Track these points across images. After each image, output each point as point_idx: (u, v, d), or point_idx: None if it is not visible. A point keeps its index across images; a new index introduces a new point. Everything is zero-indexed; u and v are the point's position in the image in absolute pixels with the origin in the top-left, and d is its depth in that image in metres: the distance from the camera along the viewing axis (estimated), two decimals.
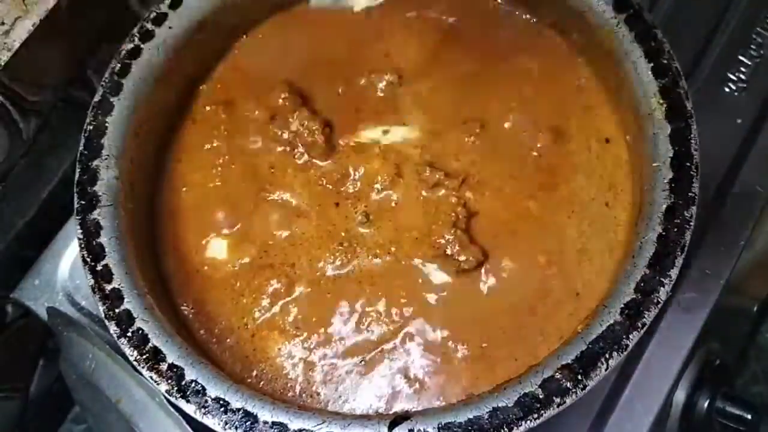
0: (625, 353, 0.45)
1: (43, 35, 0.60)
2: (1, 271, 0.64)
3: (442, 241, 0.54)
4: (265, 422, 0.45)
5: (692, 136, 0.50)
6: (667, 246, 0.47)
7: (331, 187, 0.58)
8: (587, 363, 0.45)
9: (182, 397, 0.47)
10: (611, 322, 0.46)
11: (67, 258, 0.64)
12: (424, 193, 0.56)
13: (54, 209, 0.65)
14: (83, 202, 0.53)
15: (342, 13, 0.63)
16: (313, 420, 0.45)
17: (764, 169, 0.61)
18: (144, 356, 0.48)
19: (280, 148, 0.59)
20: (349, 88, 0.61)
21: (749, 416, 0.59)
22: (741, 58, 0.65)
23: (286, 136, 0.59)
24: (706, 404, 0.59)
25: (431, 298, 0.53)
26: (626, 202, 0.54)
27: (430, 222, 0.55)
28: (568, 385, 0.44)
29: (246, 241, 0.57)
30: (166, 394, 0.48)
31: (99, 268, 0.51)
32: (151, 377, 0.48)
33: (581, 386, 0.44)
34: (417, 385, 0.51)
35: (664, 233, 0.48)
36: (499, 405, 0.44)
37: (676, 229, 0.47)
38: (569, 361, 0.45)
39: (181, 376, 0.47)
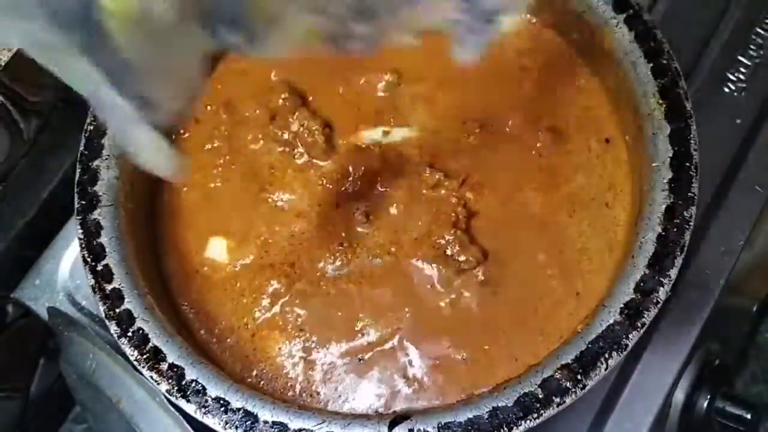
0: (625, 353, 0.45)
1: None
2: (2, 271, 0.64)
3: (442, 242, 0.54)
4: (266, 422, 0.45)
5: (692, 136, 0.50)
6: (666, 246, 0.47)
7: (331, 187, 0.58)
8: (587, 363, 0.45)
9: (182, 396, 0.47)
10: (611, 321, 0.46)
11: (67, 258, 0.64)
12: (424, 193, 0.56)
13: (54, 209, 0.65)
14: (84, 202, 0.54)
15: None
16: (313, 419, 0.45)
17: (764, 170, 0.61)
18: (144, 356, 0.48)
19: (280, 149, 0.59)
20: (349, 88, 0.61)
21: (749, 416, 0.59)
22: (740, 58, 0.65)
23: (286, 136, 0.59)
24: (705, 404, 0.59)
25: (431, 298, 0.53)
26: (626, 202, 0.54)
27: (430, 222, 0.55)
28: (568, 384, 0.44)
29: (246, 241, 0.57)
30: (167, 394, 0.48)
31: (99, 268, 0.51)
32: (151, 377, 0.48)
33: (581, 386, 0.44)
34: (416, 385, 0.51)
35: (663, 233, 0.48)
36: (499, 405, 0.44)
37: (675, 229, 0.48)
38: (569, 361, 0.45)
39: (182, 376, 0.48)
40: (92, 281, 0.51)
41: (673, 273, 0.47)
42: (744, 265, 0.60)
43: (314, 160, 0.59)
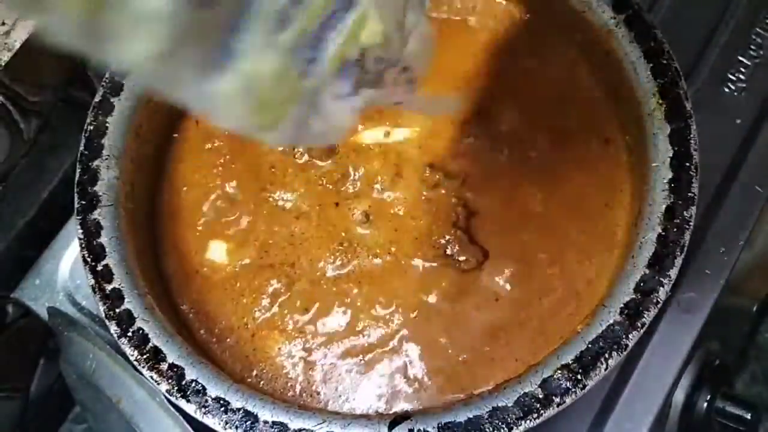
0: (625, 353, 0.45)
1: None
2: (2, 271, 0.64)
3: (443, 242, 0.54)
4: (266, 422, 0.45)
5: (692, 136, 0.50)
6: (666, 246, 0.47)
7: (331, 187, 0.58)
8: (587, 363, 0.45)
9: (182, 396, 0.47)
10: (611, 321, 0.46)
11: (67, 258, 0.64)
12: (424, 193, 0.56)
13: (54, 209, 0.65)
14: (84, 202, 0.54)
15: None
16: (313, 419, 0.45)
17: (764, 170, 0.61)
18: (144, 356, 0.48)
19: (280, 148, 0.59)
20: None
21: (749, 416, 0.59)
22: (740, 58, 0.65)
23: None
24: (705, 404, 0.59)
25: (431, 298, 0.53)
26: (626, 202, 0.54)
27: (430, 222, 0.55)
28: (568, 384, 0.44)
29: (246, 241, 0.57)
30: (167, 394, 0.48)
31: (99, 268, 0.51)
32: (151, 377, 0.48)
33: (581, 386, 0.44)
34: (417, 385, 0.51)
35: (663, 233, 0.48)
36: (499, 405, 0.44)
37: (675, 229, 0.48)
38: (569, 361, 0.45)
39: (182, 376, 0.48)
40: (92, 281, 0.51)
41: (673, 273, 0.47)
42: (744, 265, 0.60)
43: (314, 160, 0.59)
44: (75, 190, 0.54)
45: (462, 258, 0.53)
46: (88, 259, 0.52)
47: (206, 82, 0.30)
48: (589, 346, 0.45)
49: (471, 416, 0.44)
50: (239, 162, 0.59)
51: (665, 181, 0.49)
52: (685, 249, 0.47)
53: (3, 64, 0.60)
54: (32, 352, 0.66)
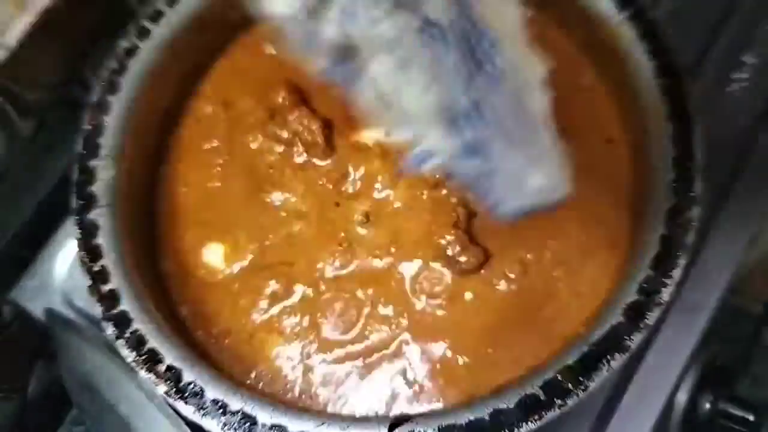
0: (628, 354, 0.45)
1: (40, 34, 0.60)
2: None
3: (443, 242, 0.53)
4: (264, 424, 0.45)
5: (695, 136, 0.49)
6: (669, 247, 0.47)
7: (330, 187, 0.57)
8: (589, 364, 0.44)
9: (181, 398, 0.47)
10: (614, 323, 0.45)
11: (64, 259, 0.64)
12: (424, 193, 0.56)
13: (52, 209, 0.65)
14: (81, 202, 0.53)
15: None
16: (313, 422, 0.45)
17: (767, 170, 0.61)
18: (142, 357, 0.48)
19: (279, 148, 0.59)
20: None
21: (752, 417, 0.59)
22: (744, 58, 0.64)
23: (285, 135, 0.58)
24: (708, 405, 0.59)
25: (432, 299, 0.53)
26: (629, 203, 0.53)
27: (430, 222, 0.55)
28: (570, 386, 0.44)
29: (245, 241, 0.56)
30: (165, 396, 0.47)
31: (96, 268, 0.51)
32: (149, 378, 0.48)
33: (583, 387, 0.44)
34: (417, 387, 0.51)
35: (666, 234, 0.47)
36: (501, 407, 0.44)
37: (678, 230, 0.47)
38: (571, 363, 0.45)
39: (180, 378, 0.47)
40: (89, 282, 0.51)
41: (677, 274, 0.46)
42: (748, 266, 0.60)
43: (314, 160, 0.58)
44: (72, 190, 0.54)
45: (463, 259, 0.53)
46: (86, 260, 0.51)
47: None
48: (592, 347, 0.45)
49: (472, 418, 0.44)
50: (237, 162, 0.59)
51: (668, 181, 0.49)
52: (688, 250, 0.47)
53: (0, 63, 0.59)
54: (29, 353, 0.66)
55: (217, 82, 0.62)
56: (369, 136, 0.58)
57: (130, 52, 0.57)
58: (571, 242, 0.53)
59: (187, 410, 0.46)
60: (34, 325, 0.63)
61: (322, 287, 0.54)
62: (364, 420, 0.46)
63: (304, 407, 0.50)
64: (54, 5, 0.61)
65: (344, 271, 0.55)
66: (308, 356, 0.53)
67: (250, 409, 0.46)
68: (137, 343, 0.48)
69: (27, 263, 0.65)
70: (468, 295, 0.53)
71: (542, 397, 0.44)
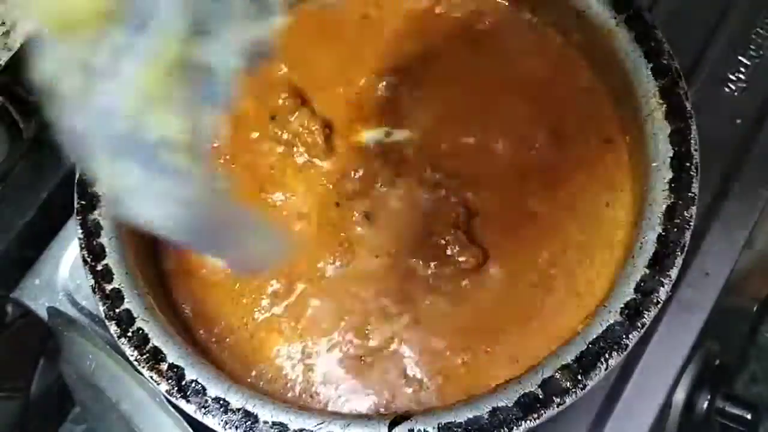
0: (625, 353, 0.45)
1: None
2: (1, 271, 0.64)
3: (443, 242, 0.54)
4: (265, 422, 0.45)
5: (692, 136, 0.50)
6: (667, 246, 0.47)
7: (331, 187, 0.57)
8: (587, 363, 0.45)
9: (182, 397, 0.47)
10: (611, 322, 0.46)
11: (67, 258, 0.64)
12: (424, 193, 0.56)
13: (54, 209, 0.65)
14: (83, 202, 0.54)
15: (342, 13, 0.63)
16: (313, 420, 0.45)
17: (764, 170, 0.61)
18: (144, 356, 0.48)
19: (280, 149, 0.59)
20: (350, 88, 0.60)
21: (749, 416, 0.59)
22: (741, 58, 0.65)
23: (286, 136, 0.58)
24: (705, 404, 0.59)
25: (431, 298, 0.53)
26: (626, 202, 0.54)
27: (430, 222, 0.55)
28: (568, 385, 0.44)
29: None
30: (167, 394, 0.48)
31: (99, 268, 0.51)
32: (151, 377, 0.48)
33: (581, 386, 0.44)
34: (417, 386, 0.51)
35: (664, 233, 0.48)
36: (499, 405, 0.44)
37: (676, 229, 0.48)
38: (569, 361, 0.45)
39: (182, 376, 0.47)
40: (92, 281, 0.51)
41: (674, 273, 0.47)
42: (744, 265, 0.60)
43: (314, 160, 0.58)
44: (75, 189, 0.54)
45: (462, 258, 0.53)
46: (88, 259, 0.52)
47: None
48: (590, 346, 0.45)
49: (471, 416, 0.44)
50: (238, 162, 0.59)
51: (666, 181, 0.49)
52: (686, 249, 0.47)
53: (3, 64, 0.60)
54: (32, 352, 0.66)
55: None
56: (369, 136, 0.59)
57: None
58: (569, 242, 0.53)
59: (189, 408, 0.47)
60: (37, 324, 0.63)
61: (323, 286, 0.55)
62: (365, 418, 0.47)
63: (304, 405, 0.51)
64: None
65: (344, 271, 0.55)
66: (309, 355, 0.53)
67: (252, 407, 0.46)
68: (140, 341, 0.49)
69: (30, 263, 0.65)
70: (467, 295, 0.53)
71: (541, 396, 0.44)
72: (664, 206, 0.48)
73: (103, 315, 0.50)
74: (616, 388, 0.56)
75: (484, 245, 0.54)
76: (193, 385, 0.47)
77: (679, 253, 0.47)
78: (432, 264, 0.54)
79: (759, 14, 0.66)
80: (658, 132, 0.50)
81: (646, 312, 0.46)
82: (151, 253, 0.57)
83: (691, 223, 0.48)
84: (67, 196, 0.55)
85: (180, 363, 0.48)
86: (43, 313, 0.62)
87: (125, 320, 0.49)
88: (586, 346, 0.45)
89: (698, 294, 0.57)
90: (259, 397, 0.47)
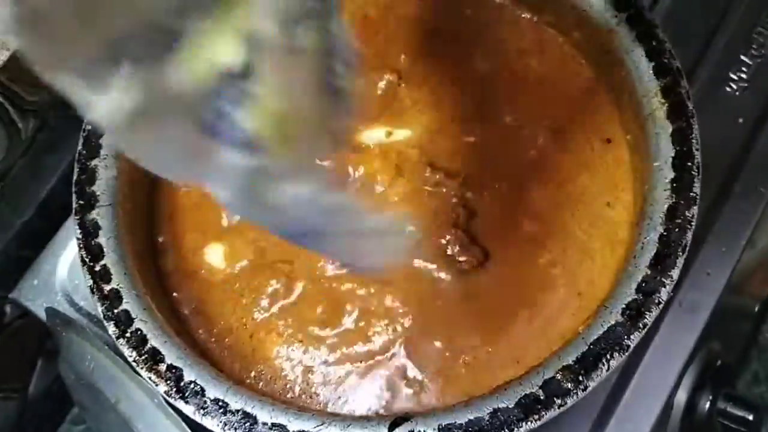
0: (627, 354, 0.45)
1: None
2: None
3: (443, 242, 0.53)
4: (264, 423, 0.45)
5: (694, 135, 0.49)
6: (668, 246, 0.47)
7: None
8: (588, 364, 0.45)
9: (181, 398, 0.47)
10: (612, 322, 0.46)
11: (65, 258, 0.64)
12: (424, 193, 0.56)
13: (53, 209, 0.65)
14: (82, 202, 0.53)
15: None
16: (313, 421, 0.45)
17: (766, 169, 0.61)
18: (143, 357, 0.48)
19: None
20: None
21: (751, 417, 0.59)
22: (742, 57, 0.64)
23: None
24: (707, 405, 0.59)
25: (431, 298, 0.53)
26: (627, 202, 0.53)
27: (430, 222, 0.55)
28: (569, 386, 0.44)
29: (245, 241, 0.56)
30: (165, 395, 0.47)
31: (97, 268, 0.51)
32: (149, 378, 0.48)
33: (582, 387, 0.44)
34: (417, 387, 0.51)
35: (665, 233, 0.47)
36: (500, 406, 0.44)
37: (677, 229, 0.47)
38: (570, 362, 0.45)
39: (180, 377, 0.47)
40: (90, 281, 0.51)
41: (675, 273, 0.47)
42: (746, 265, 0.60)
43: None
44: (73, 189, 0.54)
45: (462, 258, 0.53)
46: (86, 259, 0.51)
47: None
48: (591, 346, 0.45)
49: (472, 417, 0.44)
50: None
51: (667, 180, 0.49)
52: (687, 249, 0.47)
53: (1, 63, 0.59)
54: (30, 352, 0.66)
55: None
56: (369, 136, 0.59)
57: None
58: (570, 242, 0.53)
59: (188, 409, 0.47)
60: (36, 325, 0.63)
61: (323, 286, 0.54)
62: (365, 419, 0.46)
63: (304, 406, 0.50)
64: None
65: (344, 270, 0.55)
66: (308, 356, 0.53)
67: (251, 408, 0.46)
68: (139, 342, 0.48)
69: (28, 263, 0.65)
70: (467, 295, 0.53)
71: (542, 397, 0.44)
72: (666, 206, 0.48)
73: (101, 315, 0.50)
74: (617, 388, 0.56)
75: (485, 245, 0.54)
76: (192, 385, 0.47)
77: (681, 253, 0.47)
78: (432, 264, 0.54)
79: (760, 13, 0.66)
80: (660, 131, 0.50)
81: (647, 312, 0.46)
82: (150, 254, 0.56)
83: (693, 223, 0.47)
84: (66, 195, 0.55)
85: (178, 364, 0.48)
86: (41, 314, 0.62)
87: (124, 321, 0.49)
88: (587, 347, 0.45)
89: (700, 294, 0.57)
90: (258, 398, 0.47)
